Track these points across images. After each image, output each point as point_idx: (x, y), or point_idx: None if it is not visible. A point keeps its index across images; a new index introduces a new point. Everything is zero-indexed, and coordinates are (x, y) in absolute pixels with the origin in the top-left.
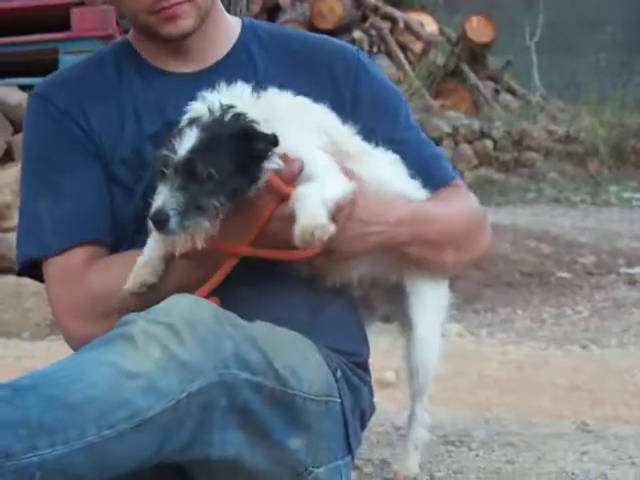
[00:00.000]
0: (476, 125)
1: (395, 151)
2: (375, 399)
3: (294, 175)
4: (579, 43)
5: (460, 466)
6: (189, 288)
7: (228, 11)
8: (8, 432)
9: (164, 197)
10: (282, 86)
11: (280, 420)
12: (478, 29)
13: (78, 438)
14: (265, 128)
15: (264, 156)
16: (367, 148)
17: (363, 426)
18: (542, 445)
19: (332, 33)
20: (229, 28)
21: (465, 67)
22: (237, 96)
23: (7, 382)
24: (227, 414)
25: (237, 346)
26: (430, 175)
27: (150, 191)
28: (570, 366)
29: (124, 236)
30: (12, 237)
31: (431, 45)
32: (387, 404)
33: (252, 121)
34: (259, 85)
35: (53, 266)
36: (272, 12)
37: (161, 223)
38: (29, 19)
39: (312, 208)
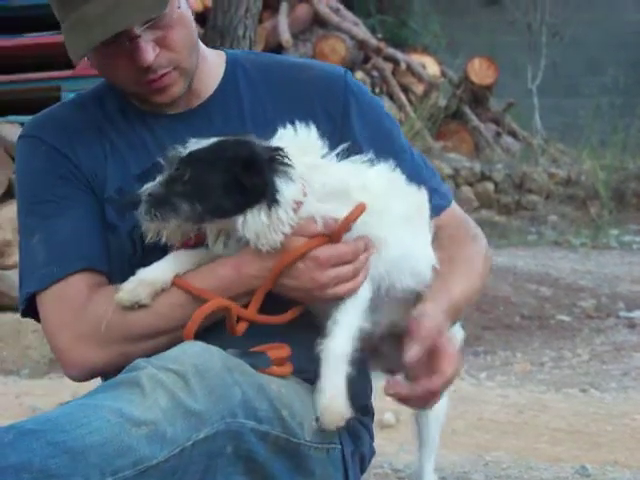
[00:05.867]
0: (477, 167)
1: None
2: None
3: (340, 233)
4: (581, 86)
5: None
6: (167, 323)
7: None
8: (11, 477)
9: (150, 185)
10: (271, 119)
11: (284, 467)
12: (480, 71)
13: None
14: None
15: (257, 192)
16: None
17: (363, 470)
18: None
19: None
20: (213, 68)
21: (467, 109)
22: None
23: (10, 425)
24: (232, 461)
25: (245, 394)
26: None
27: (136, 230)
28: (569, 410)
29: (111, 270)
30: (12, 274)
31: (433, 87)
32: (386, 446)
33: (282, 161)
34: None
35: (50, 296)
36: (274, 52)
37: (133, 205)
38: (32, 57)
39: (337, 399)
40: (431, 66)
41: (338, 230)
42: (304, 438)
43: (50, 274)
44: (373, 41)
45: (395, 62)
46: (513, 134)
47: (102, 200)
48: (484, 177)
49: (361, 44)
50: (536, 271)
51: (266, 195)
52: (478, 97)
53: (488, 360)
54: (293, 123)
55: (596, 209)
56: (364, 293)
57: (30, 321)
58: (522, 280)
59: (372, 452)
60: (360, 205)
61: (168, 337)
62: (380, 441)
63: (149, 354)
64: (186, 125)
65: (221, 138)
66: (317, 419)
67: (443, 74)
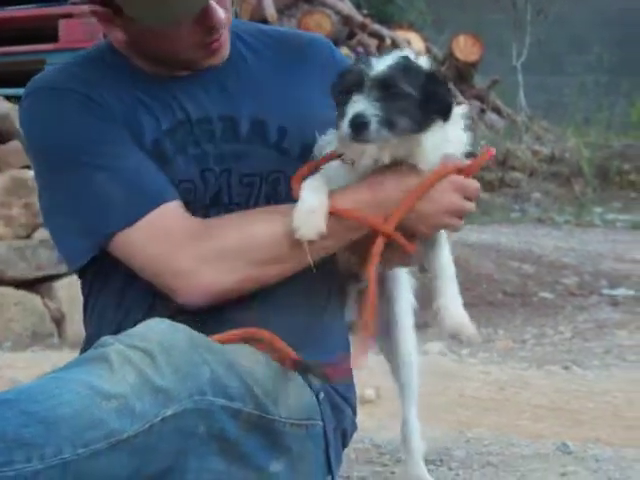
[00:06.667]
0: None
1: None
2: None
3: (472, 171)
4: (565, 64)
5: None
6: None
7: None
8: None
9: (363, 105)
10: (277, 81)
11: (259, 445)
12: (465, 48)
13: (54, 455)
14: None
15: (443, 108)
16: None
17: (345, 445)
18: (522, 466)
19: None
20: None
21: (451, 86)
22: None
23: None
24: (205, 441)
25: (214, 371)
26: None
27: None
28: (551, 387)
29: None
30: None
31: None
32: (366, 421)
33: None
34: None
35: (147, 227)
36: None
37: (363, 126)
38: (16, 30)
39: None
40: (416, 42)
41: (469, 168)
42: (278, 414)
43: (140, 206)
44: (358, 17)
45: (380, 38)
46: (497, 111)
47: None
48: (468, 154)
49: (346, 20)
50: (519, 248)
51: (446, 111)
52: (463, 74)
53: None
54: (298, 84)
55: (580, 187)
56: None
57: (13, 293)
58: (505, 257)
59: (354, 427)
60: (489, 151)
61: (302, 265)
62: (361, 417)
63: (273, 281)
64: (199, 86)
65: (398, 56)
66: (453, 335)
67: (428, 50)
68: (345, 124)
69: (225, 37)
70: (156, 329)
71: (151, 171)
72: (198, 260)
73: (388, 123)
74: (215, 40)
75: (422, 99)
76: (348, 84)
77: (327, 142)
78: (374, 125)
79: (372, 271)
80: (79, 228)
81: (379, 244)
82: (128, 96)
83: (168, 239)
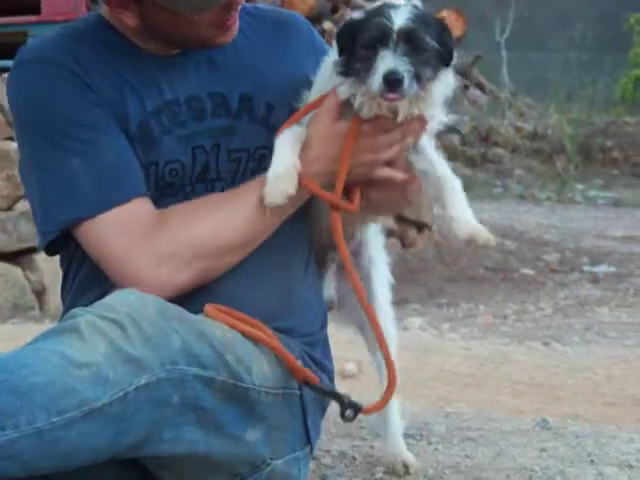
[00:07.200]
0: (450, 117)
1: None
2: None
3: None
4: (549, 40)
5: (419, 460)
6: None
7: None
8: None
9: (394, 60)
10: (263, 58)
11: (234, 413)
12: (448, 23)
13: (28, 424)
14: None
15: (450, 56)
16: None
17: (323, 413)
18: (501, 441)
19: None
20: None
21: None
22: None
23: None
24: (180, 410)
25: (185, 341)
26: None
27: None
28: (531, 363)
29: None
30: None
31: None
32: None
33: None
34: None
35: (110, 219)
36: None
37: (397, 82)
38: None
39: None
40: None
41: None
42: (252, 382)
43: (106, 199)
44: None
45: None
46: (480, 87)
47: (127, 135)
48: (450, 129)
49: None
50: (501, 224)
51: (451, 59)
52: None
53: (451, 312)
54: (292, 59)
55: (562, 163)
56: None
57: None
58: None
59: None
60: None
61: (254, 246)
62: (342, 391)
63: (231, 267)
64: (192, 63)
65: (411, 6)
66: (469, 242)
67: None
68: (377, 80)
69: (236, 16)
70: (125, 300)
71: (126, 164)
72: (154, 260)
73: (417, 77)
74: (231, 17)
75: (439, 49)
76: (371, 38)
77: (314, 95)
78: (407, 81)
79: (343, 247)
80: (45, 209)
81: (336, 218)
82: (116, 77)
83: (127, 236)
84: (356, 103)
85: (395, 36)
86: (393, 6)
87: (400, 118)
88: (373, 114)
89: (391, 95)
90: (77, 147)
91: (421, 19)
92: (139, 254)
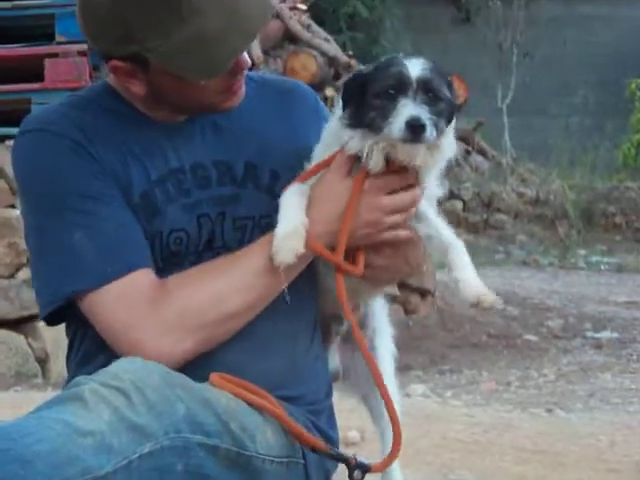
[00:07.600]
0: (446, 186)
1: None
2: None
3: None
4: (551, 106)
5: None
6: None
7: None
8: None
9: (416, 108)
10: (267, 126)
11: None
12: None
13: None
14: None
15: (455, 111)
16: None
17: None
18: None
19: None
20: None
21: None
22: None
23: None
24: (184, 478)
25: (189, 409)
26: None
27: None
28: (534, 430)
29: None
30: None
31: None
32: None
33: None
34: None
35: (113, 292)
36: None
37: (421, 129)
38: (1, 69)
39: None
40: None
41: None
42: (256, 451)
43: (108, 271)
44: (344, 57)
45: None
46: (482, 153)
47: (130, 205)
48: (452, 196)
49: (332, 60)
50: (503, 290)
51: (454, 116)
52: None
53: (454, 379)
54: (295, 128)
55: (564, 229)
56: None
57: None
58: None
59: (335, 466)
60: None
61: (257, 311)
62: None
63: (235, 333)
64: (197, 130)
65: (421, 60)
66: (475, 304)
67: None
68: (398, 126)
69: (243, 80)
70: (129, 368)
71: (128, 235)
72: (156, 331)
73: (436, 126)
74: (237, 81)
75: (452, 101)
76: (388, 86)
77: (318, 156)
78: (429, 128)
79: (347, 309)
80: (47, 281)
81: (339, 280)
82: (120, 146)
83: (129, 308)
84: (364, 153)
85: (415, 85)
86: (405, 58)
87: (418, 162)
88: (381, 166)
89: (413, 141)
90: (80, 219)
91: (435, 70)
92: (141, 326)
